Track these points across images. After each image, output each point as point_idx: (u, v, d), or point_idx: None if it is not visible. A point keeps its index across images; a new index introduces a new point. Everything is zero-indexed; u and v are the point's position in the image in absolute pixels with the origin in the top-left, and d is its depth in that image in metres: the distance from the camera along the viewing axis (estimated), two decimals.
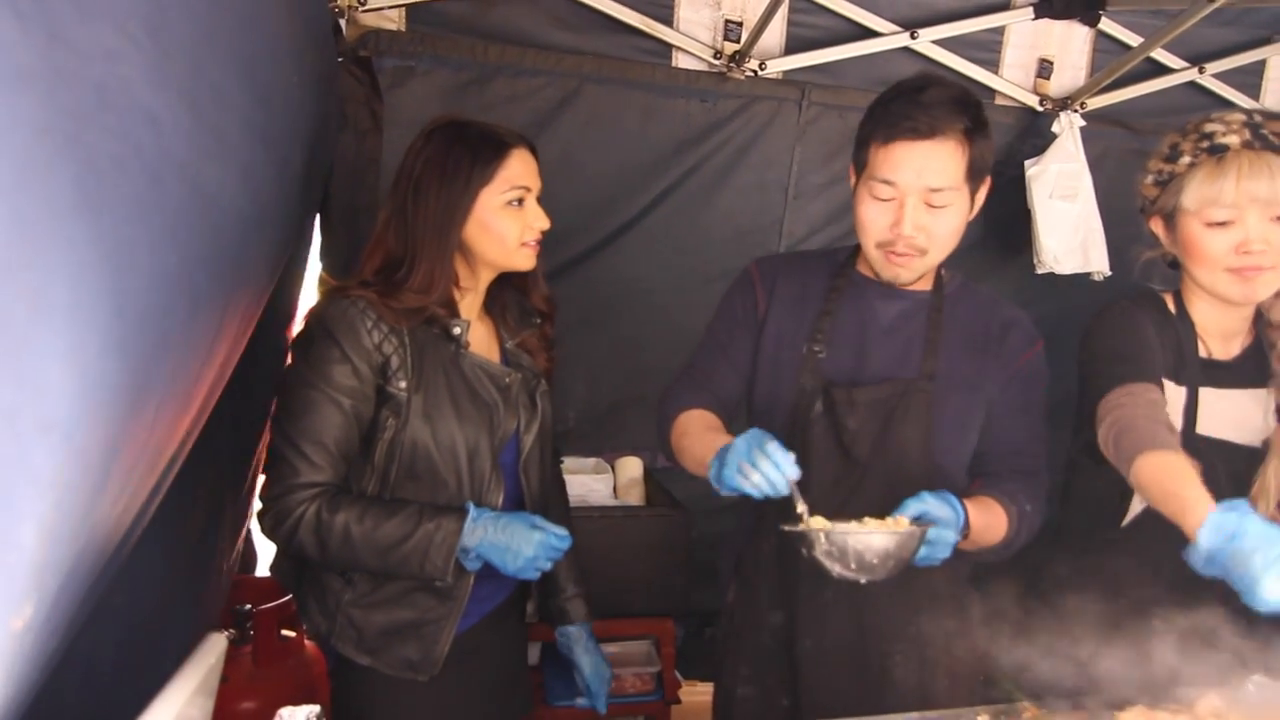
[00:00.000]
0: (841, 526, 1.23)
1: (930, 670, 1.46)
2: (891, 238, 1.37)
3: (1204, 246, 1.38)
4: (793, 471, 1.20)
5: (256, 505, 2.36)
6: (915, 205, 1.34)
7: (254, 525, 2.18)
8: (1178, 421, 1.43)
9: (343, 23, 2.30)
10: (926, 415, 1.43)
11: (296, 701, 1.22)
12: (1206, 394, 1.44)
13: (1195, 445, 1.42)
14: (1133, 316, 1.47)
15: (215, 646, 1.08)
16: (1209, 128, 1.38)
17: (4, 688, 0.51)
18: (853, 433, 1.43)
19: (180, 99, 0.66)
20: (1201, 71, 2.99)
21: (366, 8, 2.31)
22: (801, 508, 1.24)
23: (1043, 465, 1.48)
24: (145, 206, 0.59)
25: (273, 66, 0.95)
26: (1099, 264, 2.88)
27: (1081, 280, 2.93)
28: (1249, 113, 1.37)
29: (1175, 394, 1.44)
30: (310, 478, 1.38)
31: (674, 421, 1.52)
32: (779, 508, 1.46)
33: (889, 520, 1.25)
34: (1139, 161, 1.54)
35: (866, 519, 1.26)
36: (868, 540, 1.19)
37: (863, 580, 1.21)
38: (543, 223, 1.49)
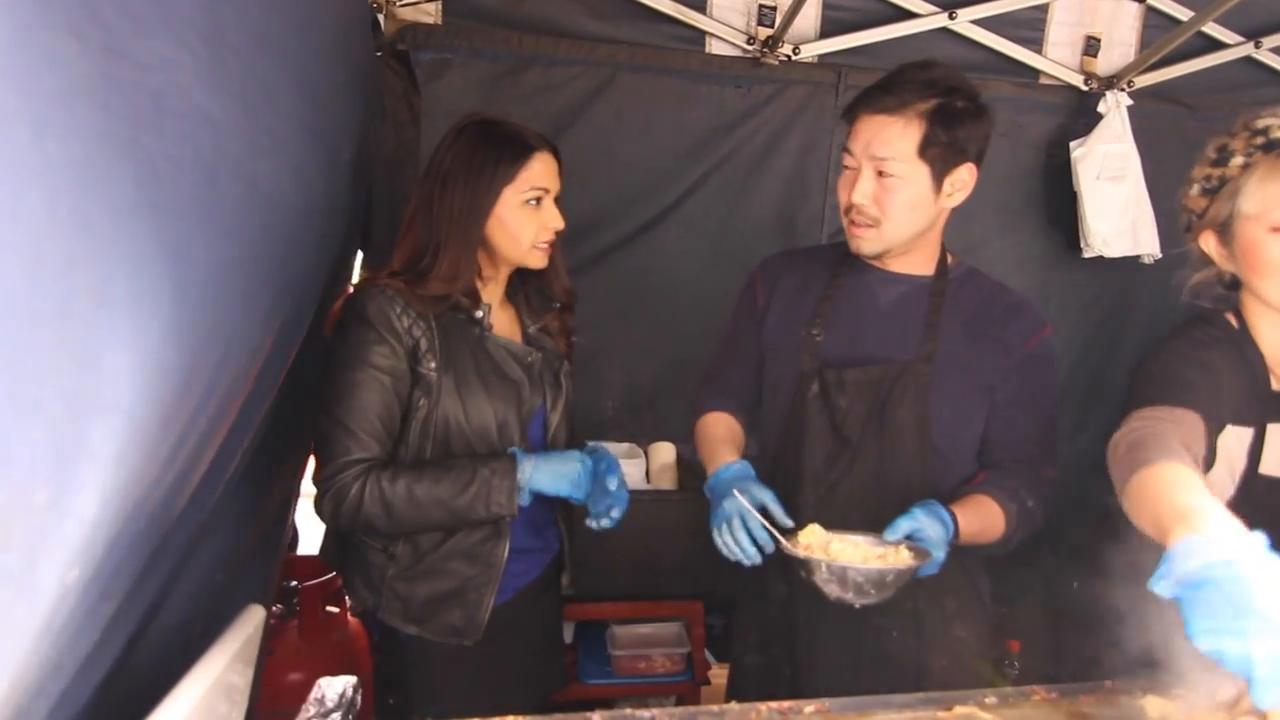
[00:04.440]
0: (836, 549, 1.29)
1: (926, 647, 1.48)
2: (849, 205, 1.43)
3: (1270, 255, 1.20)
4: (753, 555, 1.34)
5: (304, 489, 2.45)
6: (866, 175, 1.40)
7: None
8: (1240, 463, 1.27)
9: (381, 18, 2.36)
10: (923, 397, 1.44)
11: (341, 673, 1.29)
12: (1275, 430, 1.26)
13: (1256, 487, 1.26)
14: (1204, 352, 1.28)
15: (254, 617, 1.14)
16: (1261, 123, 1.24)
17: (43, 642, 0.56)
18: (843, 412, 1.47)
19: (234, 101, 0.70)
20: (1258, 46, 2.88)
21: (404, 2, 2.36)
22: (784, 544, 1.32)
23: (1051, 451, 1.48)
24: (203, 204, 0.64)
25: (321, 65, 0.99)
26: (1149, 246, 2.80)
27: (1128, 263, 2.86)
28: None
29: (1240, 433, 1.27)
30: (359, 454, 1.45)
31: (697, 427, 1.63)
32: (784, 488, 1.47)
33: (886, 546, 1.29)
34: (1193, 139, 1.43)
35: (852, 538, 1.32)
36: (868, 574, 1.23)
37: (857, 605, 1.26)
38: (557, 223, 1.55)
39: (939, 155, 1.38)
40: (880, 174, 1.39)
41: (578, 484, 1.48)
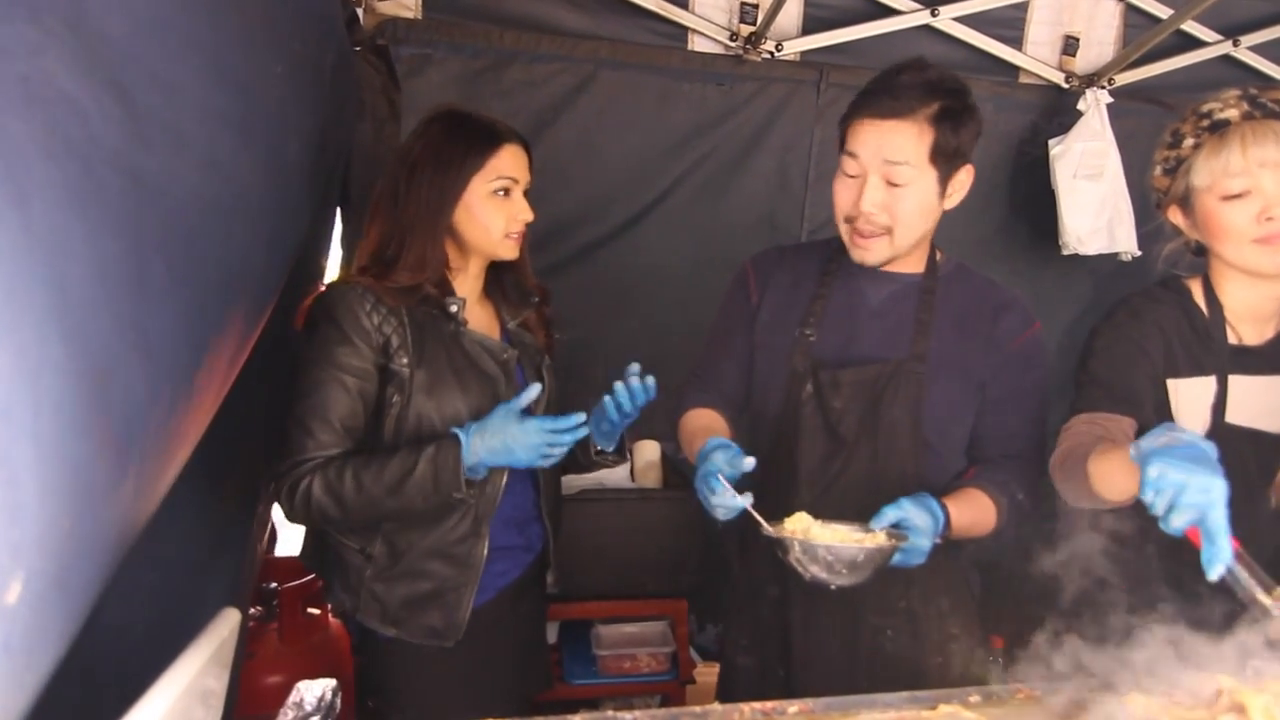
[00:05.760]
0: (817, 533, 1.29)
1: (922, 646, 1.48)
2: (855, 213, 1.40)
3: (1224, 221, 1.34)
4: (735, 502, 1.30)
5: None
6: (875, 182, 1.37)
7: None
8: (1205, 413, 1.39)
9: (360, 12, 2.33)
10: (916, 396, 1.44)
11: (321, 676, 1.27)
12: (1237, 381, 1.39)
13: (1225, 435, 1.37)
14: (1138, 323, 1.43)
15: (229, 620, 1.12)
16: (1206, 107, 1.36)
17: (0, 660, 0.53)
18: (839, 413, 1.46)
19: (106, 88, 0.67)
20: (1236, 44, 2.91)
21: None
22: (764, 526, 1.30)
23: (1039, 448, 1.48)
24: (80, 195, 0.60)
25: (243, 54, 0.96)
26: (1126, 244, 2.82)
27: (1110, 260, 2.88)
28: (1243, 87, 1.35)
29: (1200, 386, 1.39)
30: (315, 453, 1.45)
31: (680, 424, 1.61)
32: (776, 492, 1.48)
33: (871, 530, 1.29)
34: None
35: (838, 526, 1.32)
36: (838, 551, 1.24)
37: (833, 586, 1.26)
38: (526, 215, 1.54)
39: (946, 159, 1.37)
40: (889, 180, 1.36)
41: (525, 453, 1.40)
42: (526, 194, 1.56)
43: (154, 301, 0.72)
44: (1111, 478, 1.20)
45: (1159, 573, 1.24)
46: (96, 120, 0.65)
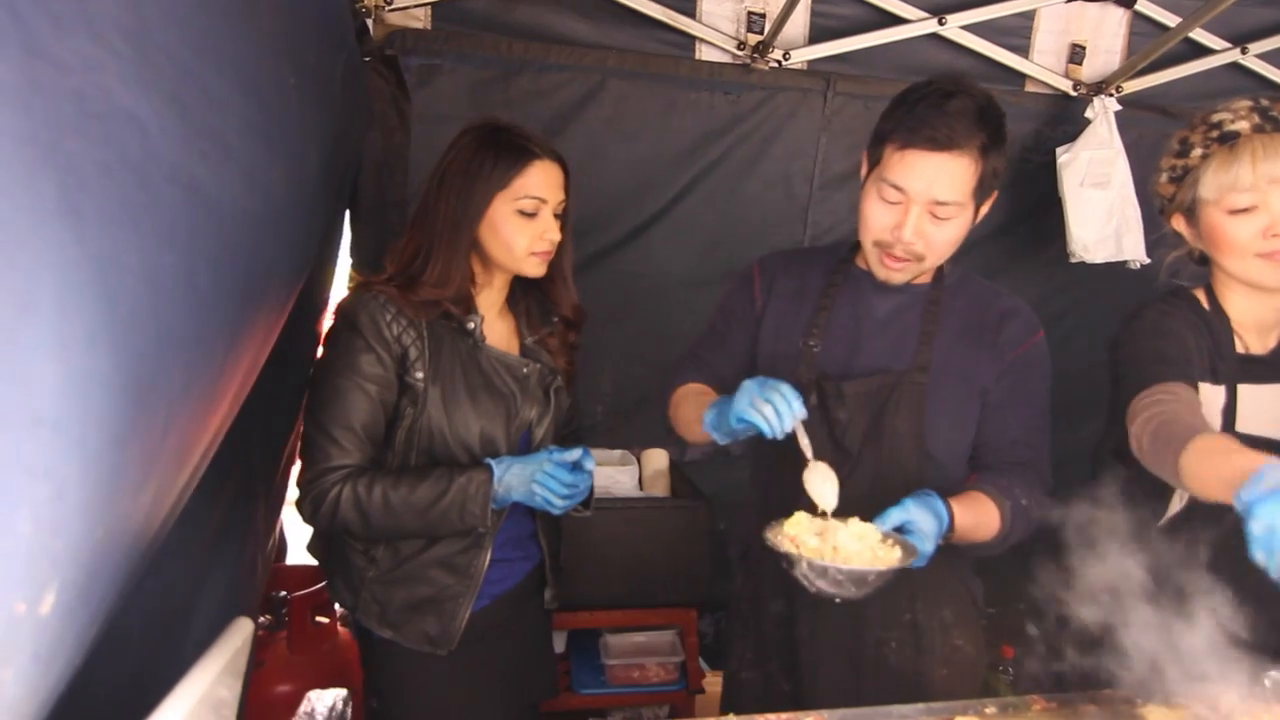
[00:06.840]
0: (837, 537, 1.26)
1: (927, 658, 1.47)
2: (891, 240, 1.38)
3: (1229, 235, 1.35)
4: (800, 410, 1.25)
5: (294, 493, 2.44)
6: (919, 213, 1.35)
7: (284, 515, 2.24)
8: (1216, 422, 1.39)
9: (370, 22, 2.34)
10: (919, 406, 1.43)
11: (331, 685, 1.27)
12: (1245, 390, 1.40)
13: None
14: (1169, 320, 1.42)
15: (242, 629, 1.12)
16: (1216, 117, 1.36)
17: (28, 668, 0.54)
18: (843, 424, 1.45)
19: (168, 103, 0.68)
20: (1244, 52, 2.90)
21: (392, 7, 2.35)
22: (805, 446, 1.28)
23: (1043, 455, 1.47)
24: (134, 209, 0.61)
25: (265, 66, 0.97)
26: (1134, 252, 2.81)
27: (1116, 269, 2.87)
28: (1254, 97, 1.35)
29: (1213, 394, 1.40)
30: (341, 461, 1.46)
31: (672, 394, 1.58)
32: (780, 501, 1.46)
33: (879, 531, 1.27)
34: None
35: (853, 520, 1.29)
36: (848, 571, 1.21)
37: (838, 599, 1.24)
38: (554, 235, 1.51)
39: (982, 190, 1.36)
40: (933, 214, 1.35)
41: (543, 501, 1.43)
42: (563, 214, 1.53)
43: (197, 312, 0.73)
44: (1204, 484, 1.13)
45: (1177, 581, 1.23)
46: (156, 134, 0.65)
